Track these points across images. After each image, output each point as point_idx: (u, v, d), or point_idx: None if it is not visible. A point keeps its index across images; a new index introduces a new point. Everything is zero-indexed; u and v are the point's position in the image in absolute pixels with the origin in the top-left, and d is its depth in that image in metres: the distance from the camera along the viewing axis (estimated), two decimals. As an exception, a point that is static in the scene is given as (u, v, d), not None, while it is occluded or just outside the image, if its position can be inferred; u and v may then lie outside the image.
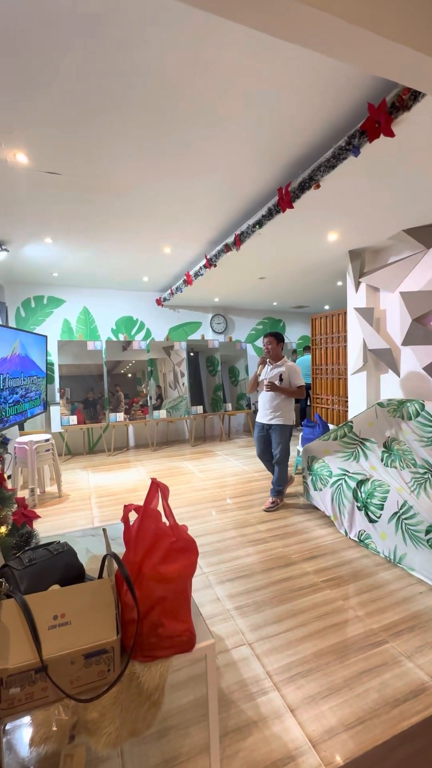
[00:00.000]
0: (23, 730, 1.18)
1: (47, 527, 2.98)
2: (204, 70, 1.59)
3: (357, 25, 1.12)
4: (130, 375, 5.80)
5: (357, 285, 3.64)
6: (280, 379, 3.20)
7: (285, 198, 2.50)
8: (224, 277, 4.51)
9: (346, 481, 2.75)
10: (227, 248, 3.49)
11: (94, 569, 1.17)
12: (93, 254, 4.11)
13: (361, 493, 2.60)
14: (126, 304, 6.11)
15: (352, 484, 2.68)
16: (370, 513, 2.50)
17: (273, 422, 3.21)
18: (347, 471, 2.84)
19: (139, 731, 0.94)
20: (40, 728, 0.85)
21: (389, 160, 2.06)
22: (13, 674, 0.81)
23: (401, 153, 1.99)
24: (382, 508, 2.42)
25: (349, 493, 2.67)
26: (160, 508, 1.07)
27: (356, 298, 3.66)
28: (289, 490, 3.60)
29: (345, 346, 4.48)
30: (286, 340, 5.27)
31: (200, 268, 4.26)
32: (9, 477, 3.54)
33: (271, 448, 3.29)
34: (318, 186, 2.29)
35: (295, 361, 4.87)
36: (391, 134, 1.75)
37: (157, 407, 5.82)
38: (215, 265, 3.94)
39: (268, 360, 3.32)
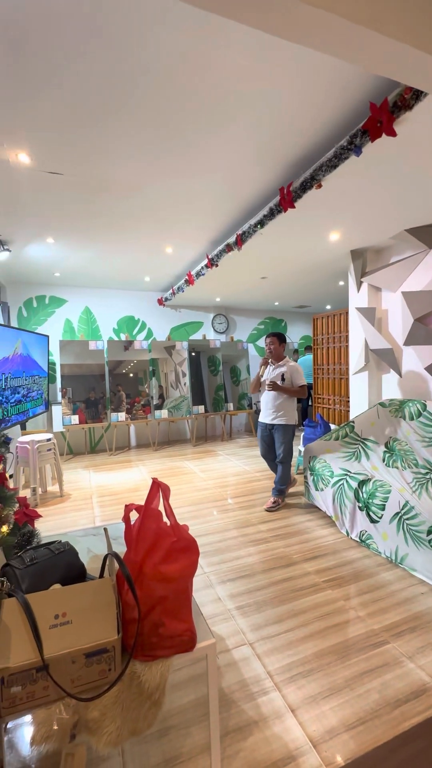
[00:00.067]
0: (24, 729, 1.19)
1: (49, 526, 2.99)
2: (207, 70, 1.59)
3: (359, 24, 1.11)
4: (131, 375, 5.81)
5: (359, 285, 3.63)
6: (282, 379, 3.20)
7: (286, 198, 2.49)
8: (226, 276, 4.51)
9: (347, 481, 2.75)
10: (229, 248, 3.49)
11: (95, 569, 1.17)
12: (95, 254, 4.12)
13: (362, 493, 2.59)
14: (127, 303, 6.12)
15: (354, 484, 2.67)
16: (371, 513, 2.49)
17: (276, 422, 3.22)
18: (349, 471, 2.84)
19: (140, 730, 0.94)
20: (41, 727, 0.86)
21: (391, 160, 2.06)
22: (15, 673, 0.81)
23: (403, 152, 1.98)
24: (383, 509, 2.41)
25: (350, 493, 2.67)
26: (161, 507, 1.07)
27: (358, 298, 3.66)
28: (291, 490, 3.59)
29: (347, 346, 4.47)
30: (287, 340, 5.28)
31: (202, 267, 4.26)
32: (11, 476, 3.54)
33: (274, 447, 3.30)
34: (320, 186, 2.29)
35: (296, 361, 4.86)
36: (393, 134, 1.75)
37: (159, 407, 5.83)
38: (217, 265, 3.94)
39: (270, 360, 3.32)
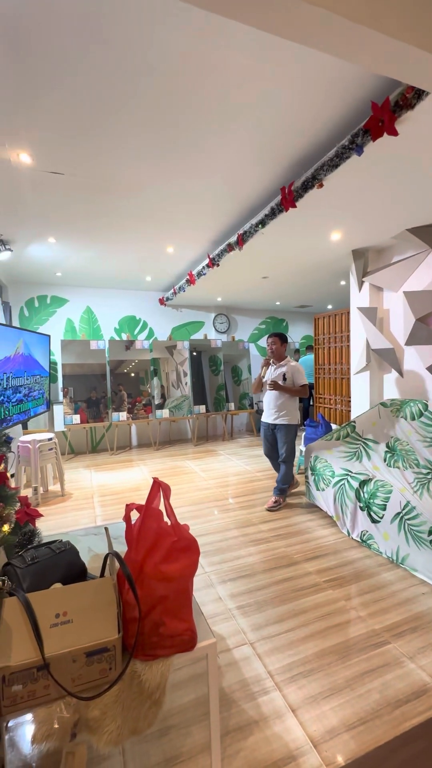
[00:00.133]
0: (25, 728, 1.19)
1: (50, 526, 3.00)
2: (208, 70, 1.59)
3: (359, 24, 1.11)
4: (133, 374, 5.82)
5: (360, 284, 3.63)
6: (284, 379, 3.22)
7: (288, 197, 2.49)
8: (227, 276, 4.51)
9: (348, 481, 2.74)
10: (230, 248, 3.49)
11: (96, 568, 1.17)
12: (96, 254, 4.12)
13: (363, 493, 2.59)
14: (129, 303, 6.12)
15: (355, 484, 2.67)
16: (372, 513, 2.49)
17: (278, 422, 3.25)
18: (350, 471, 2.84)
19: (141, 730, 0.94)
20: (42, 726, 0.86)
21: (393, 159, 2.05)
22: (16, 672, 0.81)
23: (405, 152, 1.98)
24: (384, 509, 2.41)
25: (351, 494, 2.67)
26: (162, 507, 1.07)
27: (359, 298, 3.65)
28: (293, 490, 3.59)
29: (348, 346, 4.46)
30: (289, 340, 5.27)
31: (203, 267, 4.26)
32: (12, 476, 3.55)
33: (277, 446, 3.32)
34: (321, 185, 2.28)
35: (297, 361, 4.87)
36: (394, 133, 1.75)
37: (160, 407, 5.83)
38: (218, 265, 3.94)
39: (271, 361, 3.34)
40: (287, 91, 1.72)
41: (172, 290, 5.65)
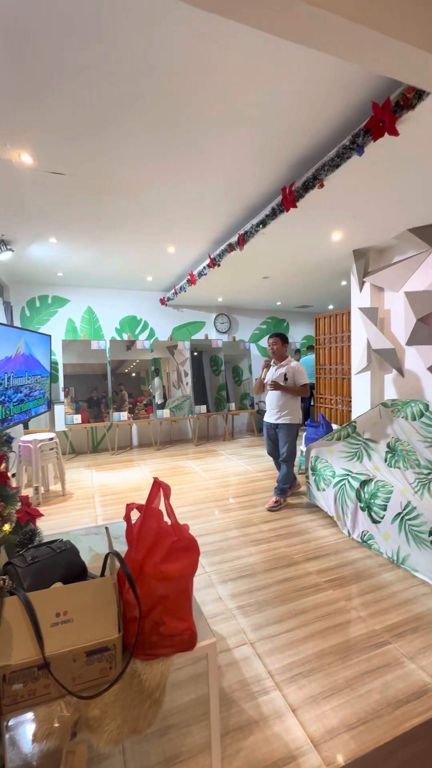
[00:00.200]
0: (26, 726, 1.19)
1: (51, 525, 3.00)
2: (210, 70, 1.59)
3: (360, 24, 1.11)
4: (134, 374, 5.82)
5: (361, 284, 3.62)
6: (285, 379, 3.24)
7: (289, 197, 2.49)
8: (228, 276, 4.51)
9: (349, 482, 2.74)
10: (231, 248, 3.49)
11: (96, 567, 1.17)
12: (97, 254, 4.12)
13: (364, 493, 2.59)
14: (130, 303, 6.13)
15: (356, 485, 2.67)
16: (373, 513, 2.49)
17: (280, 421, 3.27)
18: (350, 471, 2.83)
19: (141, 729, 0.94)
20: (42, 724, 0.86)
21: (393, 159, 2.05)
22: (16, 671, 0.82)
23: (406, 152, 1.98)
24: (385, 509, 2.41)
25: (352, 494, 2.66)
26: (162, 507, 1.07)
27: (360, 298, 3.65)
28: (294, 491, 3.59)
29: (349, 346, 4.46)
30: (290, 340, 5.27)
31: (204, 267, 4.26)
32: (13, 475, 3.56)
33: (279, 446, 3.33)
34: (322, 185, 2.28)
35: (298, 361, 4.87)
36: (395, 133, 1.75)
37: (161, 406, 5.84)
38: (219, 265, 3.94)
39: (273, 361, 3.36)
40: (288, 91, 1.72)
41: (173, 290, 5.65)
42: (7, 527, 1.21)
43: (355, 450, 3.09)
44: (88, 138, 2.04)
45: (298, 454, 3.92)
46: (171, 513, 1.05)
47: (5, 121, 1.88)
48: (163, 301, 6.29)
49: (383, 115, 1.72)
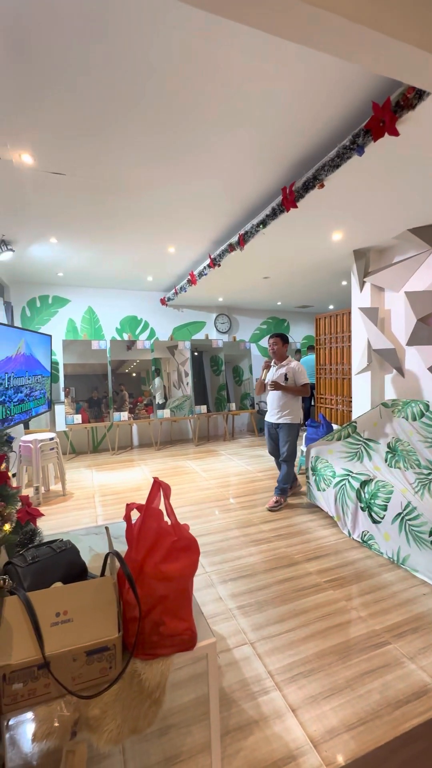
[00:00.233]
0: (26, 726, 1.19)
1: (51, 525, 3.00)
2: (211, 70, 1.59)
3: (360, 24, 1.11)
4: (134, 374, 5.83)
5: (362, 285, 3.62)
6: (285, 379, 3.25)
7: (289, 197, 2.49)
8: (228, 276, 4.51)
9: (349, 482, 2.74)
10: (231, 248, 3.49)
11: (96, 567, 1.18)
12: (97, 254, 4.13)
13: (364, 493, 2.59)
14: (130, 303, 6.13)
15: (356, 485, 2.67)
16: (373, 514, 2.49)
17: (281, 421, 3.29)
18: (351, 471, 2.83)
19: (141, 729, 0.94)
20: (42, 724, 0.86)
21: (394, 159, 2.05)
22: (16, 670, 0.82)
23: (406, 152, 1.97)
24: (385, 509, 2.41)
25: (352, 494, 2.66)
26: (162, 507, 1.07)
27: (361, 298, 3.65)
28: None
29: (349, 346, 4.46)
30: (290, 340, 5.28)
31: (204, 267, 4.26)
32: (14, 475, 3.57)
33: (279, 445, 3.34)
34: (322, 185, 2.28)
35: (298, 361, 4.88)
36: (395, 133, 1.75)
37: (162, 406, 5.84)
38: (219, 265, 3.95)
39: (273, 362, 3.37)
40: (288, 91, 1.72)
41: (173, 290, 5.66)
42: (7, 527, 1.22)
43: (356, 450, 3.09)
44: (89, 138, 2.04)
45: (299, 453, 3.92)
46: (171, 513, 1.05)
47: (6, 122, 1.89)
48: (163, 301, 6.29)
49: (383, 115, 1.72)
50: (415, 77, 1.38)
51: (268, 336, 3.45)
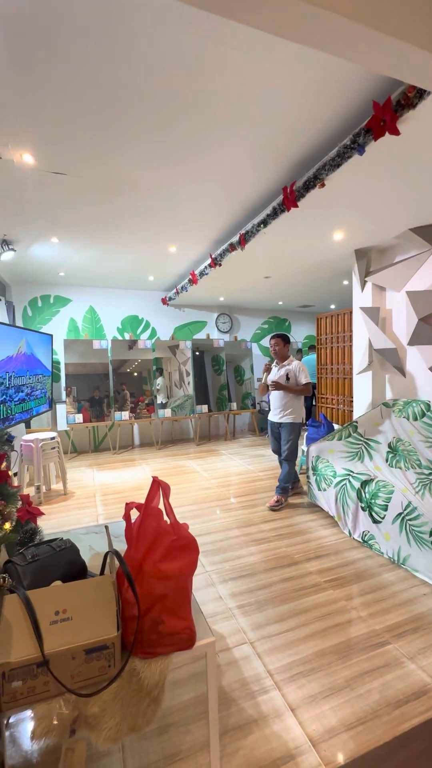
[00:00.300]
0: (25, 724, 1.20)
1: (52, 524, 3.01)
2: (212, 71, 1.59)
3: (360, 23, 1.11)
4: (135, 374, 5.83)
5: (363, 284, 3.62)
6: (287, 379, 3.27)
7: (290, 197, 2.49)
8: (229, 276, 4.51)
9: (350, 482, 2.74)
10: (232, 247, 3.49)
11: (96, 566, 1.18)
12: (99, 254, 4.13)
13: (365, 493, 2.59)
14: (131, 303, 6.14)
15: (357, 485, 2.66)
16: (374, 513, 2.48)
17: (283, 420, 3.31)
18: (351, 471, 2.83)
19: (140, 727, 0.95)
20: (41, 722, 0.87)
21: (395, 159, 2.05)
22: (16, 668, 0.82)
23: (407, 151, 1.97)
24: (386, 509, 2.40)
25: (353, 494, 2.66)
26: (161, 506, 1.07)
27: (362, 298, 3.64)
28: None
29: (350, 346, 4.45)
30: (291, 340, 5.27)
31: (205, 267, 4.26)
32: (15, 474, 3.58)
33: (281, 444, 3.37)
34: (323, 185, 2.28)
35: (300, 360, 4.88)
36: (396, 132, 1.74)
37: (163, 406, 5.85)
38: (220, 265, 3.94)
39: (275, 362, 3.38)
40: (288, 90, 1.72)
41: (174, 290, 5.66)
42: (7, 526, 1.22)
43: (356, 450, 3.08)
44: (90, 138, 2.04)
45: (300, 453, 3.92)
46: (170, 512, 1.05)
47: (7, 121, 1.89)
48: (164, 301, 6.29)
49: (384, 114, 1.72)
50: (415, 76, 1.37)
51: (270, 336, 3.46)
